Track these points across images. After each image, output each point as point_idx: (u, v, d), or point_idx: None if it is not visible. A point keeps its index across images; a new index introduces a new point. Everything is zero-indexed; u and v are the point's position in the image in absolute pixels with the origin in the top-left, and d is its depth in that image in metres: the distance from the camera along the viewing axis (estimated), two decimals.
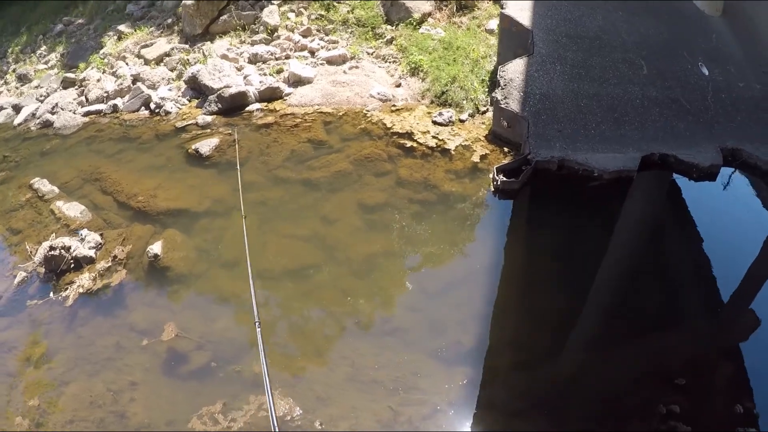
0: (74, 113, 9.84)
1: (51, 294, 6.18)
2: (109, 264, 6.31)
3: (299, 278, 5.93)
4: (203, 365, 5.19)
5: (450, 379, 4.89)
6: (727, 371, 4.86)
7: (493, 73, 8.58)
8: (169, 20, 11.86)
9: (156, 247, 6.22)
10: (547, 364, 5.07)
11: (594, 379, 4.91)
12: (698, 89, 7.47)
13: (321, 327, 5.46)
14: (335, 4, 10.66)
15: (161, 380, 5.17)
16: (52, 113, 10.00)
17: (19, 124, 10.29)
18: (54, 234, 6.78)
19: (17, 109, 10.86)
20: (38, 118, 10.01)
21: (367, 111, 8.27)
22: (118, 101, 9.66)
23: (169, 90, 9.51)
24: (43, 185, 7.87)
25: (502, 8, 8.77)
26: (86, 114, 9.75)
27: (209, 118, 8.52)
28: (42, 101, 10.73)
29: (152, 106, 9.19)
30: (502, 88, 7.45)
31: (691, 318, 5.39)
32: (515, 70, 7.64)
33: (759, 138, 6.89)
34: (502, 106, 7.26)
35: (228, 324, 5.55)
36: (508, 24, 8.42)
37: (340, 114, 8.27)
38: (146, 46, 11.09)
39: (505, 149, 7.33)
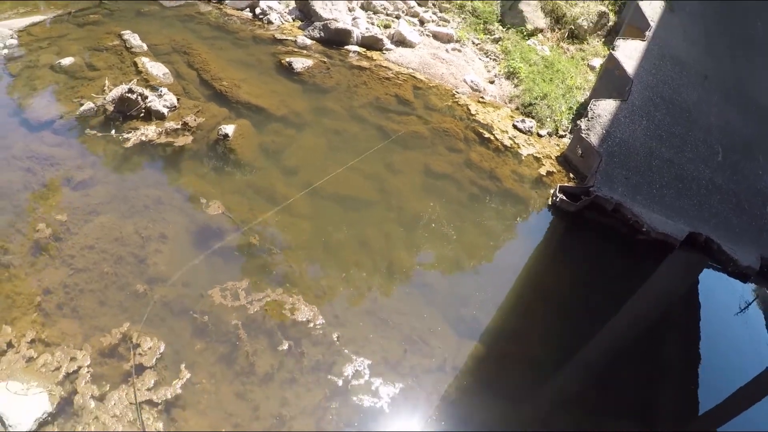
0: None
1: (113, 132, 6.26)
2: (178, 126, 6.40)
3: (349, 207, 6.01)
4: (233, 248, 5.29)
5: (458, 347, 5.01)
6: None
7: (582, 106, 8.67)
8: None
9: (228, 128, 6.31)
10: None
11: None
12: (760, 195, 7.66)
13: (355, 257, 5.53)
14: None
15: (191, 244, 5.25)
16: None
17: None
18: (135, 81, 6.86)
19: None
20: None
21: (457, 92, 8.35)
22: None
23: (279, 3, 9.61)
24: (133, 38, 7.92)
25: (612, 49, 8.98)
26: None
27: (308, 42, 8.61)
28: None
29: (257, 11, 9.27)
30: (589, 120, 7.58)
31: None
32: (605, 108, 7.79)
33: None
34: (583, 135, 7.37)
35: (269, 221, 5.62)
36: (613, 65, 8.63)
37: (431, 85, 8.35)
38: None
39: (571, 175, 7.43)
